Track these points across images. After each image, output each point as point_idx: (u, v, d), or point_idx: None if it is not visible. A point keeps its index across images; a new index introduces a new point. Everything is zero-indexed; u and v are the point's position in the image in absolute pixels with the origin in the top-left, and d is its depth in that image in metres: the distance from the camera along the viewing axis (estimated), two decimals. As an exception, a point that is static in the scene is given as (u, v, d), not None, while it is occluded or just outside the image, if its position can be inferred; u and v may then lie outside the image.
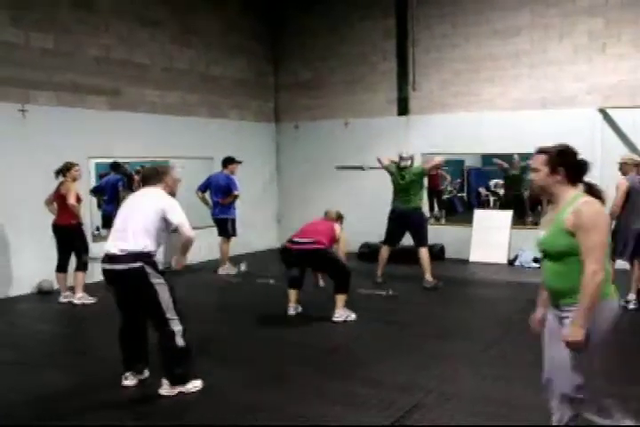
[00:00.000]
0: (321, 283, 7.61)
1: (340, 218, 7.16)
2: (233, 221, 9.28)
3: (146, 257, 4.31)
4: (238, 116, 11.20)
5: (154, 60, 9.61)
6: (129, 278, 4.32)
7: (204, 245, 9.80)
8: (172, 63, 9.93)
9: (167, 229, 4.49)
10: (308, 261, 6.58)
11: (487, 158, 15.94)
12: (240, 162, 9.36)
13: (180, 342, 4.35)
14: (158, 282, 4.31)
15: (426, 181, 13.66)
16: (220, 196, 9.18)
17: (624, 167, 6.89)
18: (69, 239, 7.39)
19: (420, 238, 8.23)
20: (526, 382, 4.61)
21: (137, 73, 9.35)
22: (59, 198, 7.28)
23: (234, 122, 11.07)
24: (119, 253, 4.31)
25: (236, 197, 9.15)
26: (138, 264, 4.27)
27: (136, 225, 4.34)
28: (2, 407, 4.28)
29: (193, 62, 10.28)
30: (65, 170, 7.23)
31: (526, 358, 5.22)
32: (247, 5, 11.20)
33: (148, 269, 4.29)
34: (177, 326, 4.35)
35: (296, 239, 6.55)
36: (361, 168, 10.91)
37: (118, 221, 4.47)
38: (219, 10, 10.62)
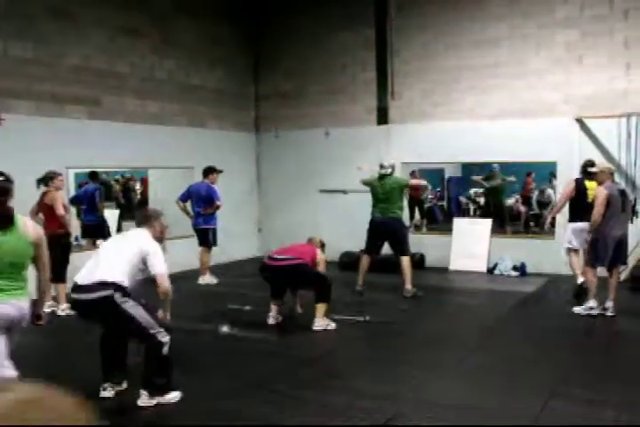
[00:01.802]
0: (299, 309, 7.02)
1: (322, 246, 7.05)
2: (214, 230, 9.23)
3: (115, 286, 4.23)
4: (218, 126, 11.17)
5: (134, 70, 9.57)
6: (100, 307, 4.25)
7: (185, 255, 9.75)
8: (152, 73, 9.89)
9: (144, 272, 4.42)
10: (287, 277, 6.45)
11: (467, 167, 16.09)
12: (221, 171, 9.32)
13: (165, 351, 4.31)
14: (129, 305, 4.21)
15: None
16: (201, 205, 9.12)
17: (600, 176, 6.90)
18: (57, 249, 7.24)
19: (401, 248, 8.17)
20: (507, 389, 4.62)
21: (117, 82, 9.30)
22: (44, 208, 7.13)
23: (214, 132, 11.04)
24: (89, 282, 4.26)
25: (218, 207, 9.11)
26: (107, 292, 4.18)
27: (115, 260, 4.32)
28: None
29: (173, 72, 10.25)
30: (48, 179, 7.06)
31: (506, 365, 5.25)
32: (227, 15, 11.22)
33: (117, 297, 4.19)
34: (164, 338, 4.29)
35: (276, 256, 6.48)
36: (343, 192, 10.91)
37: (100, 255, 4.44)
38: (199, 20, 10.61)
